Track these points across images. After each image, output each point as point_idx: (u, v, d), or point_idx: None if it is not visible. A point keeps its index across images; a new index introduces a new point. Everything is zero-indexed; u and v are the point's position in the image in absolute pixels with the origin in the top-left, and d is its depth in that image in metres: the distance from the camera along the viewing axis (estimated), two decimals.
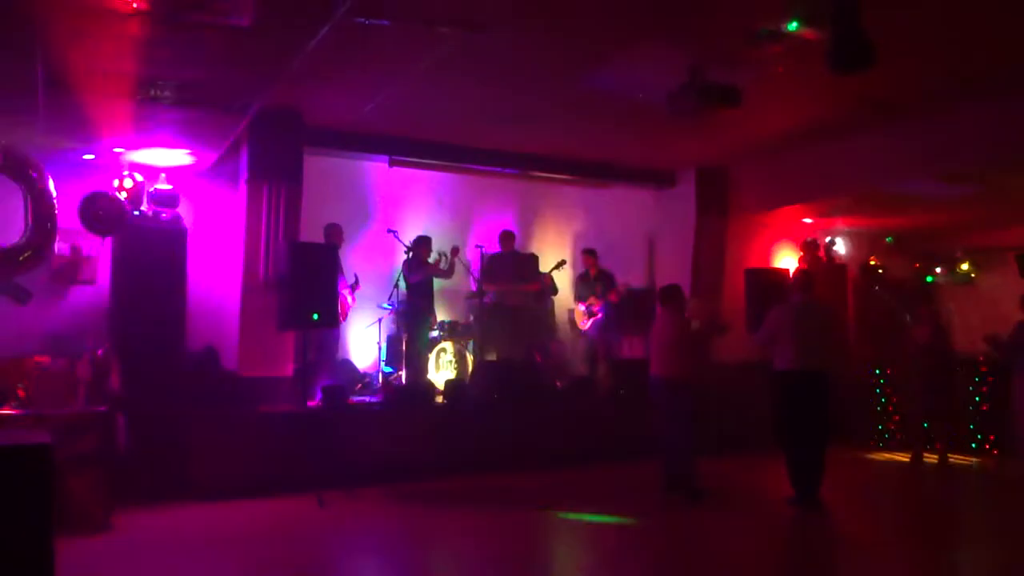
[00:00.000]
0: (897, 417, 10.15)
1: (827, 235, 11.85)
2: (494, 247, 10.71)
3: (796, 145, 9.49)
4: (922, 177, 8.83)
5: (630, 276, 11.36)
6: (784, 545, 6.28)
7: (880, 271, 11.99)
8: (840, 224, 11.80)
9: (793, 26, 5.97)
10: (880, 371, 10.33)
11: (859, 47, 5.63)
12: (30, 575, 2.92)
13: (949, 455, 9.12)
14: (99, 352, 7.12)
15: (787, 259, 11.53)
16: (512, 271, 10.38)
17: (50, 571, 2.98)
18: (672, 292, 7.50)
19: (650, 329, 7.59)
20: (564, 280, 11.25)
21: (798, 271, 8.55)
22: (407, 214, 10.61)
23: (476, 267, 10.40)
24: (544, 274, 10.66)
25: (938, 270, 12.80)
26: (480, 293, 10.13)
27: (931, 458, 9.14)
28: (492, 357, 9.95)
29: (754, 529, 6.39)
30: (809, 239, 11.53)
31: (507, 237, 10.64)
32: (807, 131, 8.97)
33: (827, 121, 8.60)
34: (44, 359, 7.18)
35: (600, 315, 10.53)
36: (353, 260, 9.75)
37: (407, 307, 9.52)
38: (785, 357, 6.98)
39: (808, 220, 11.40)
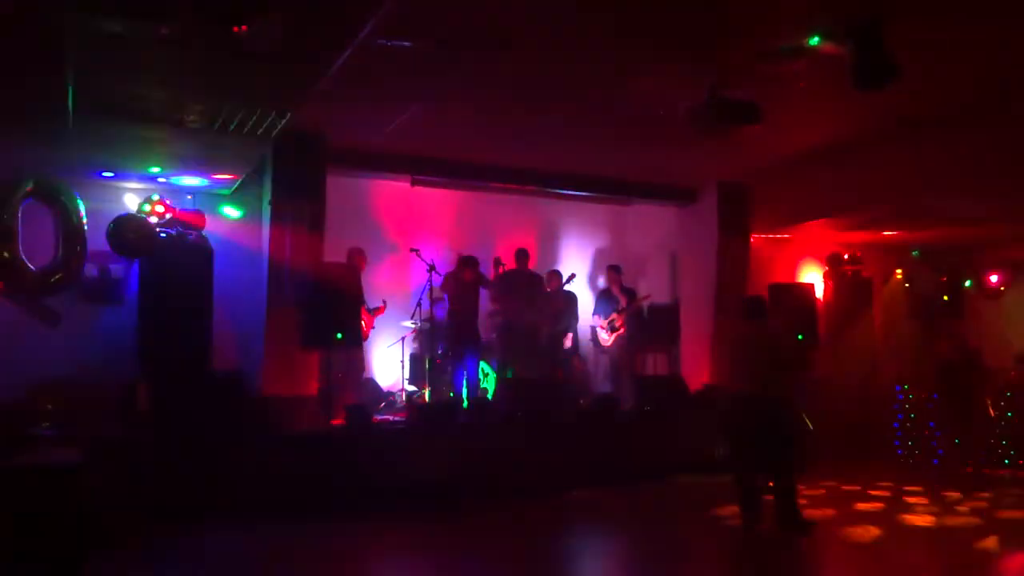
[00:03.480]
0: (927, 432, 9.98)
1: (851, 249, 11.74)
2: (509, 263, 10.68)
3: (820, 160, 9.43)
4: (950, 192, 8.73)
5: (653, 292, 11.34)
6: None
7: (907, 285, 11.86)
8: (865, 238, 11.70)
9: (814, 41, 5.95)
10: (906, 388, 10.17)
11: (882, 63, 5.62)
12: None
13: (984, 470, 8.96)
14: (127, 373, 7.22)
15: (812, 274, 11.44)
16: (523, 291, 10.19)
17: None
18: (759, 305, 7.06)
19: (727, 343, 7.10)
20: (585, 296, 11.24)
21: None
22: (429, 232, 10.66)
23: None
24: (563, 291, 10.60)
25: (967, 284, 12.64)
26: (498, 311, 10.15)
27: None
28: (512, 375, 9.92)
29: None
30: (833, 254, 11.44)
31: (521, 255, 10.36)
32: (831, 146, 8.91)
33: (851, 136, 8.54)
34: (74, 380, 7.30)
35: (623, 331, 10.49)
36: (376, 279, 9.81)
37: (448, 322, 9.53)
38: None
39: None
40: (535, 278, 10.46)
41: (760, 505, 6.44)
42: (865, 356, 11.01)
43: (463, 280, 9.49)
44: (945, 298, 11.58)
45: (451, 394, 9.34)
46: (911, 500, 7.78)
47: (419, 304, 9.69)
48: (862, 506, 7.52)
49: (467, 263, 9.58)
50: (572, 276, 10.67)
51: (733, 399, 6.62)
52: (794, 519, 6.33)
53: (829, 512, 7.15)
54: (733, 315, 7.12)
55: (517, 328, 10.02)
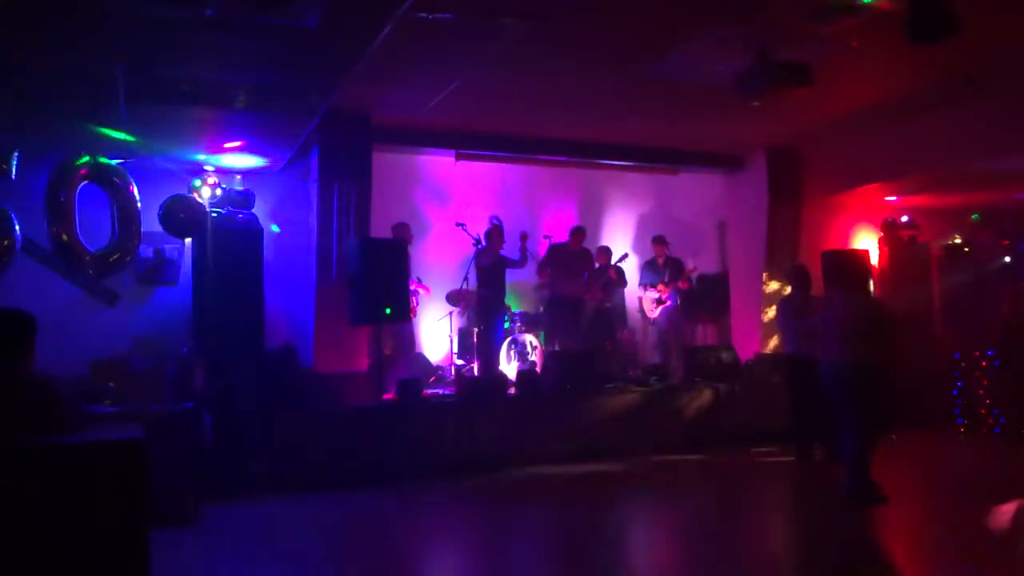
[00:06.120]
0: (988, 400, 9.68)
1: (907, 214, 11.41)
2: (562, 238, 10.67)
3: (873, 122, 9.15)
4: (1010, 153, 8.41)
5: (701, 262, 11.18)
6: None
7: (966, 249, 11.49)
8: (921, 202, 11.35)
9: None
10: (963, 353, 9.87)
11: (940, 15, 5.40)
12: (127, 565, 3.04)
13: None
14: (183, 351, 7.38)
15: (866, 240, 11.16)
16: (568, 267, 10.27)
17: (145, 561, 3.09)
18: (844, 269, 6.92)
19: (822, 312, 6.92)
20: (632, 268, 11.16)
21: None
22: (475, 207, 10.66)
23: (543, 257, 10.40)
24: (611, 267, 10.57)
25: None
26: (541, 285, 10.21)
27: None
28: (559, 348, 9.93)
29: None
30: (889, 219, 11.13)
31: (576, 232, 10.55)
32: (885, 107, 8.64)
33: (907, 95, 8.26)
34: (132, 359, 7.49)
35: (669, 302, 10.41)
36: (423, 254, 9.86)
37: (478, 298, 9.58)
38: None
39: (892, 198, 10.96)
40: (585, 254, 10.50)
41: (815, 472, 6.35)
42: (923, 322, 10.72)
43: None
44: (1007, 259, 11.20)
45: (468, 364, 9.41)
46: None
47: (466, 278, 9.73)
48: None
49: (489, 233, 9.66)
50: (624, 256, 10.63)
51: (812, 365, 6.47)
52: (868, 488, 6.21)
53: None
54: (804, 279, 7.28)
55: (563, 302, 10.02)
